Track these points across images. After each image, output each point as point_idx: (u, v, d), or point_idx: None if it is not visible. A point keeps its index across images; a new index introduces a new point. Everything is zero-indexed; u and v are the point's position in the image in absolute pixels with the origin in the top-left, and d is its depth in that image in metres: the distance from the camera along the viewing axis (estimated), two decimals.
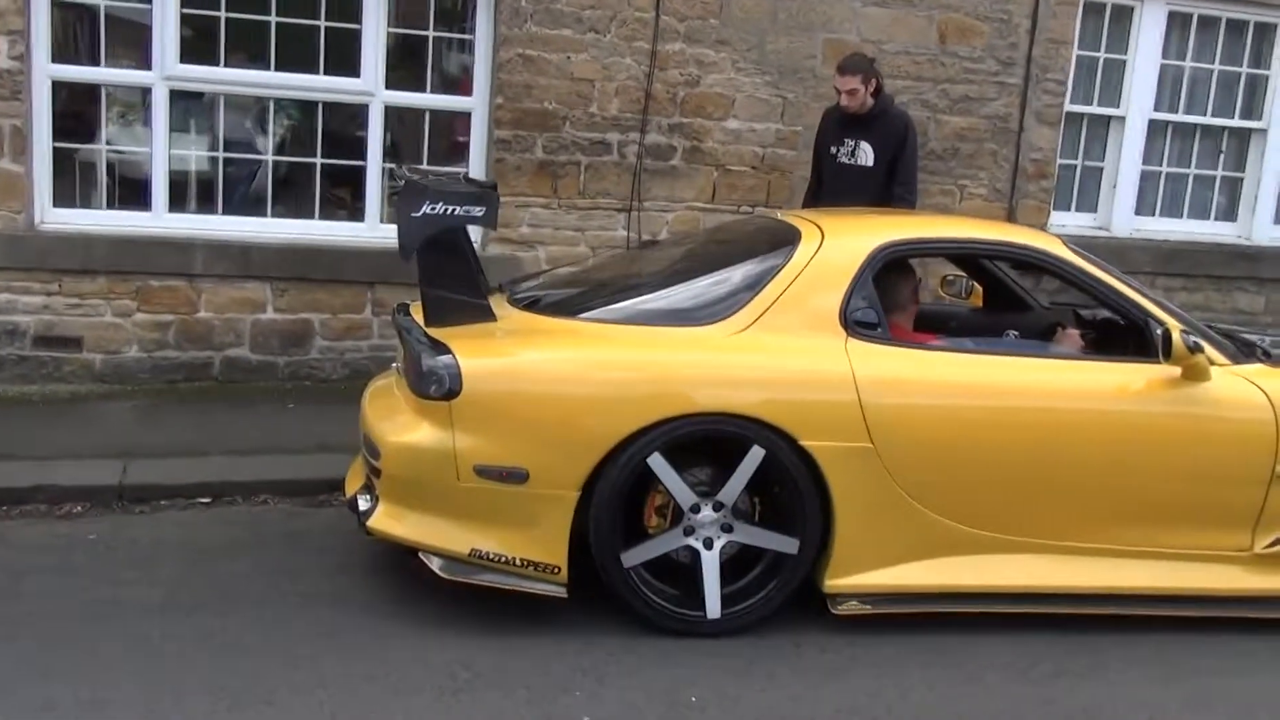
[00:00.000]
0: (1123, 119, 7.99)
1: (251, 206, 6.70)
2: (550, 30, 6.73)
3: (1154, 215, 8.24)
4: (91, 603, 3.92)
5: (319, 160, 6.69)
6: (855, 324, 4.03)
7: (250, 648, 3.66)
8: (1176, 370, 4.07)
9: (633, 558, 3.87)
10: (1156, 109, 8.04)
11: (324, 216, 6.77)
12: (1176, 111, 8.13)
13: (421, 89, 6.80)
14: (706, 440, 3.89)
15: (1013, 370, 4.15)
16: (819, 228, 4.27)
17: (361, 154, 6.70)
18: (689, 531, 3.90)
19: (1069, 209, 8.05)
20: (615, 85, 6.89)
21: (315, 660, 3.59)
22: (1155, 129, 8.11)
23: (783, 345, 3.97)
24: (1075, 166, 8.05)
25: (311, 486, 5.16)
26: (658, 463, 3.80)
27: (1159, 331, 4.06)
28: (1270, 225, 8.40)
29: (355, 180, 6.77)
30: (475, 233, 6.00)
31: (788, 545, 3.92)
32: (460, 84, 6.94)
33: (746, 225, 4.99)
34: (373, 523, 3.94)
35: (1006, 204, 7.70)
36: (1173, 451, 4.07)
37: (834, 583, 3.97)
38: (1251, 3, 8.02)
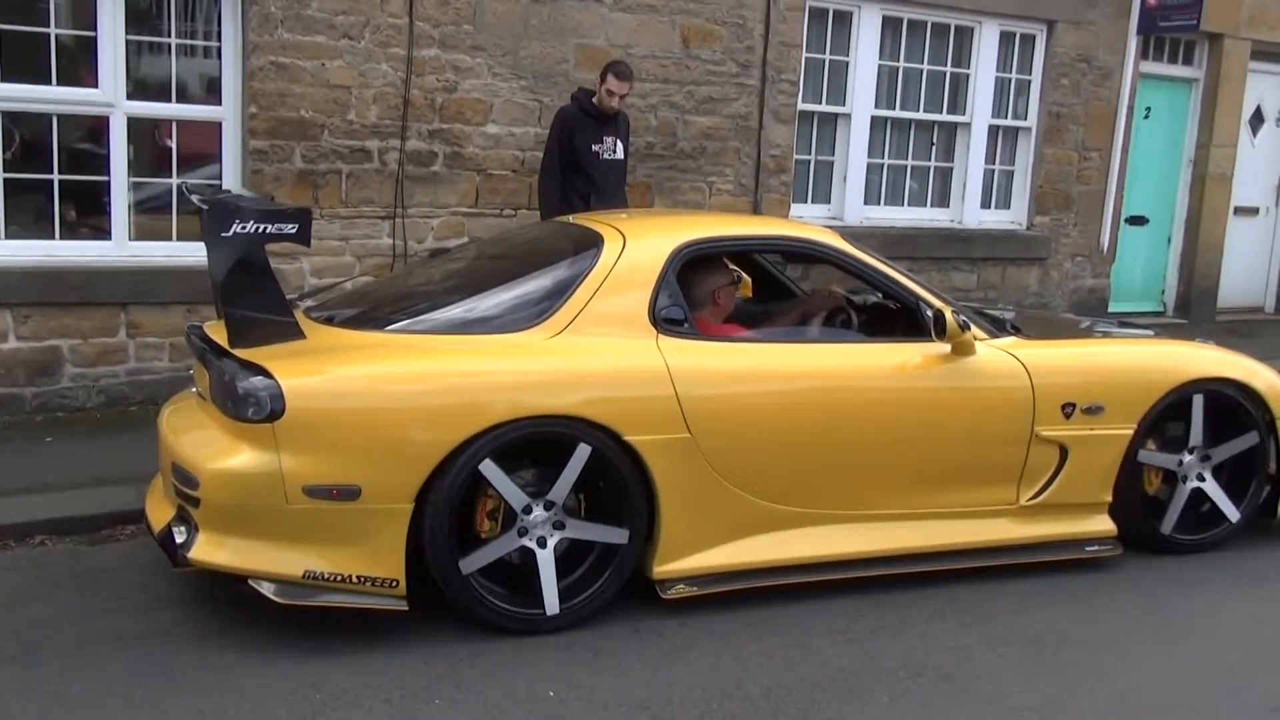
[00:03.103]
0: (848, 116, 8.61)
1: None
2: (303, 37, 6.59)
3: (880, 204, 8.92)
4: None
5: (56, 176, 6.28)
6: (664, 321, 4.23)
7: (79, 696, 3.46)
8: (947, 347, 4.48)
9: (471, 564, 3.91)
10: (877, 106, 8.71)
11: (66, 236, 6.37)
12: (894, 108, 8.83)
13: (166, 99, 6.51)
14: (530, 442, 3.98)
15: (809, 355, 4.47)
16: (620, 231, 4.44)
17: (104, 169, 6.35)
18: (523, 532, 3.98)
19: (806, 201, 8.61)
20: (373, 92, 6.82)
21: (156, 702, 3.44)
22: (876, 125, 8.77)
23: (598, 346, 4.11)
24: (809, 161, 8.61)
25: (91, 522, 4.89)
26: (490, 468, 3.87)
27: (930, 313, 4.47)
28: (978, 210, 9.27)
29: (98, 196, 6.41)
30: None
31: (618, 536, 4.07)
32: (209, 93, 6.67)
33: (541, 231, 5.09)
34: (194, 554, 3.80)
35: (751, 198, 8.16)
36: (951, 420, 4.49)
37: (662, 569, 4.15)
38: (952, 8, 8.82)
